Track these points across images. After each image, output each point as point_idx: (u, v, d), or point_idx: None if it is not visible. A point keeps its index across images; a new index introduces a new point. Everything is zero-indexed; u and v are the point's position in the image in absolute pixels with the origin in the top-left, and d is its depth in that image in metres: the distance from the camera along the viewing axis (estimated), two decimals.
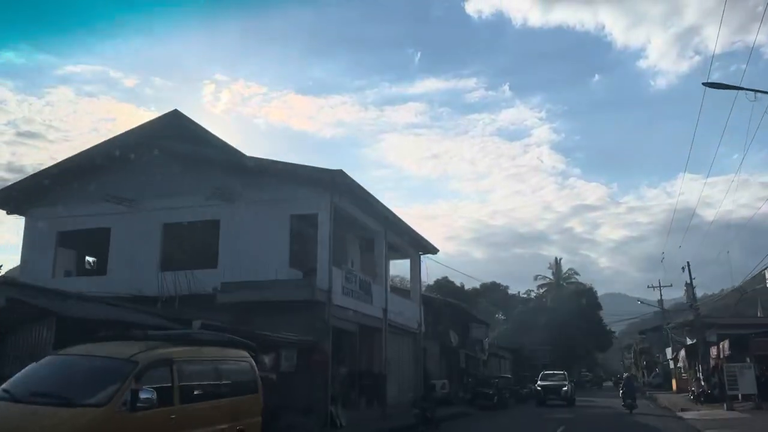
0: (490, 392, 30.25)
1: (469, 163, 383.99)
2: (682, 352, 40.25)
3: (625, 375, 39.95)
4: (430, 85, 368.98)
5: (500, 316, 77.94)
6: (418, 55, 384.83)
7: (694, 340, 35.99)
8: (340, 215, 19.58)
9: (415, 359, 26.78)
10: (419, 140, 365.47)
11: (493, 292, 78.66)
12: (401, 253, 27.72)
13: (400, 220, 23.78)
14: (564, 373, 36.81)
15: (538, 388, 34.74)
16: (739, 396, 25.42)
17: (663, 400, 35.26)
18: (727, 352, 27.32)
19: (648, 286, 56.03)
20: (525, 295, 78.23)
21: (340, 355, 19.78)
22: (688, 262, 34.92)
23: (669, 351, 52.74)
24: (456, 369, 36.16)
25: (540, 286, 77.44)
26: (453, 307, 37.71)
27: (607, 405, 32.66)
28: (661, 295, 56.09)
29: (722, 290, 56.47)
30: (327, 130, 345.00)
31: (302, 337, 16.64)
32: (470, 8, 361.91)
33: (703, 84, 14.62)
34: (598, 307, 73.44)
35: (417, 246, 27.77)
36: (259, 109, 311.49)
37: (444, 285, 70.38)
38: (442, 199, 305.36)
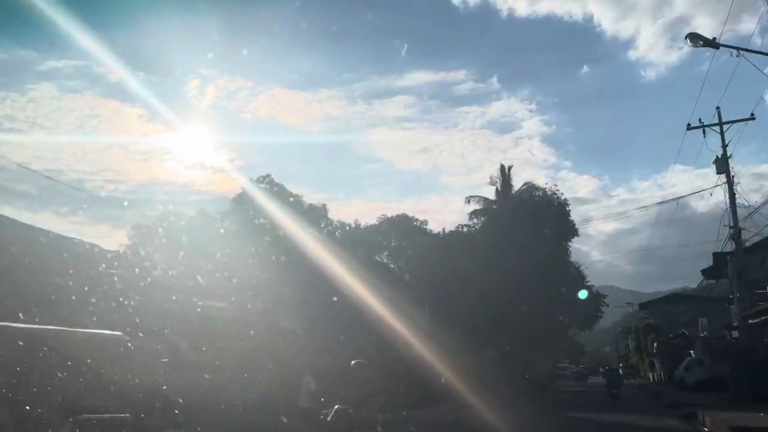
0: None
1: (460, 156, 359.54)
2: None
3: (609, 368, 38.14)
4: (418, 77, 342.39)
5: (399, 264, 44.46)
6: (405, 47, 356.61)
7: None
8: None
9: None
10: (409, 134, 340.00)
11: (398, 229, 45.41)
12: None
13: None
14: None
15: None
16: None
17: None
18: None
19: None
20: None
21: None
22: None
23: None
24: None
25: (475, 214, 44.08)
26: None
27: None
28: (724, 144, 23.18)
29: None
30: (315, 124, 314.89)
31: None
32: None
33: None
34: (571, 232, 40.44)
35: None
36: (246, 103, 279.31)
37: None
38: (433, 193, 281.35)
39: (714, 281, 37.74)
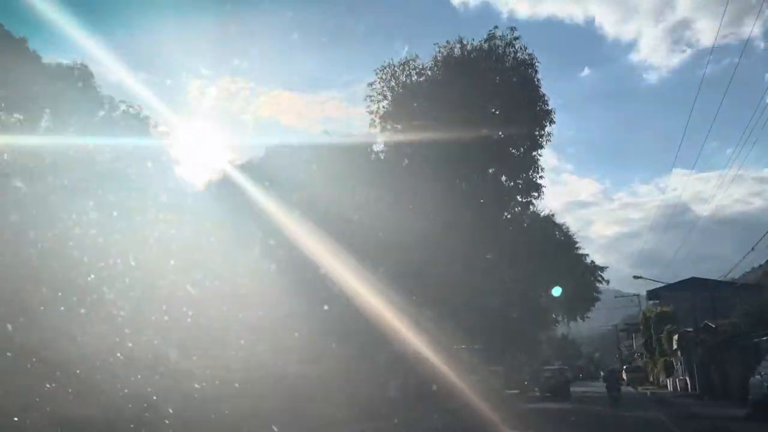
0: None
1: None
2: None
3: (608, 368, 33.64)
4: None
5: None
6: (406, 48, 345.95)
7: None
8: None
9: None
10: None
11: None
12: None
13: None
14: None
15: None
16: None
17: None
18: None
19: None
20: None
21: None
22: None
23: None
24: None
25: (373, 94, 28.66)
26: None
27: None
28: None
29: None
30: (316, 126, 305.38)
31: None
32: (456, 0, 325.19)
33: None
34: (542, 114, 25.24)
35: None
36: (246, 105, 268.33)
37: None
38: None
39: None
